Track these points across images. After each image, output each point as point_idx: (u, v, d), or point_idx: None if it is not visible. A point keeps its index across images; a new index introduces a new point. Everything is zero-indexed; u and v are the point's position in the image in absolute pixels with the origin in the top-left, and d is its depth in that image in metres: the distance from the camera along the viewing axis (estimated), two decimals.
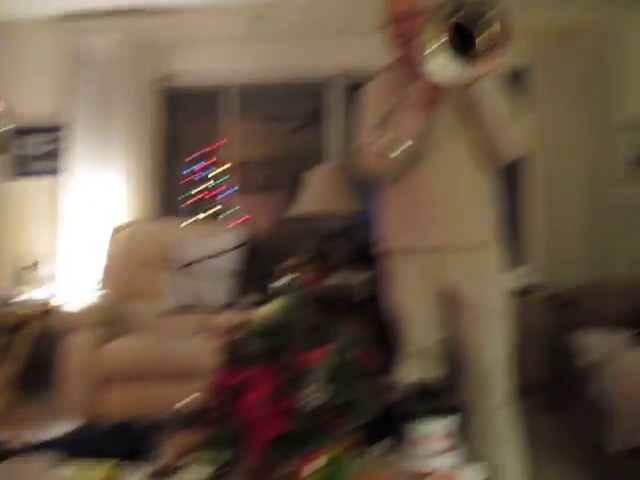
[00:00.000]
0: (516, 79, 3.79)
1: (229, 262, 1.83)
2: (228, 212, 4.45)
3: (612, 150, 3.81)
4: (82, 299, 3.28)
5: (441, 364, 2.08)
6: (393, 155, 1.86)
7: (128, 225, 3.73)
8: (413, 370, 2.00)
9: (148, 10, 3.91)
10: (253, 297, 2.07)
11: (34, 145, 4.14)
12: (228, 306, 1.83)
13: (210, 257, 1.67)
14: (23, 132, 4.12)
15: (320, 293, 3.00)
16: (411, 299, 2.03)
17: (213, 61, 4.03)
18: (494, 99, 1.86)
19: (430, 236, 1.97)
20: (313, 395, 1.16)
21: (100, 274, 3.54)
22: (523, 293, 3.42)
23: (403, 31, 1.94)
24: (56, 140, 4.09)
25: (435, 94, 1.79)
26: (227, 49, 4.00)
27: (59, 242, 3.98)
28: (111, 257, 3.56)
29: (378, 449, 1.35)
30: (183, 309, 1.79)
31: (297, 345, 1.24)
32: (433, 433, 1.30)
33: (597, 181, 3.77)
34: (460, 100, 1.89)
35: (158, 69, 4.00)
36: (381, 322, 3.28)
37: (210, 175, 5.02)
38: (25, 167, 4.16)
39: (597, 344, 2.77)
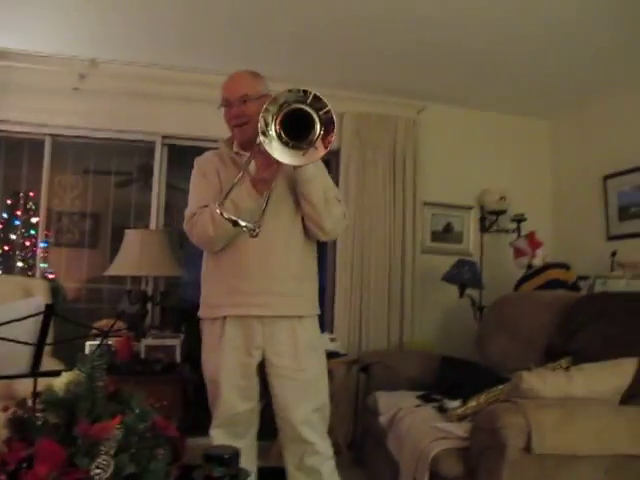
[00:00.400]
0: (334, 157, 4.17)
1: (30, 327, 1.76)
2: (34, 269, 4.19)
3: (418, 224, 4.30)
4: None
5: (252, 429, 2.15)
6: (224, 230, 1.91)
7: None
8: (222, 436, 2.04)
9: None
10: (53, 365, 2.00)
11: None
12: (29, 374, 1.74)
13: (5, 323, 1.60)
14: None
15: (129, 357, 2.95)
16: (227, 364, 2.02)
17: (37, 110, 3.86)
18: (320, 180, 2.00)
19: (251, 304, 1.99)
20: (102, 467, 1.17)
21: None
22: (329, 357, 3.65)
23: (235, 115, 2.01)
24: None
25: (270, 173, 1.85)
26: (52, 100, 3.86)
27: None
28: None
29: None
30: None
31: (93, 415, 1.25)
32: None
33: (402, 252, 4.20)
34: (290, 177, 2.01)
35: None
36: (191, 385, 3.30)
37: (26, 224, 4.72)
38: None
39: (391, 404, 3.02)
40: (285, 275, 2.04)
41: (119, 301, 4.22)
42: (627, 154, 3.94)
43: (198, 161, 2.18)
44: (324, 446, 2.10)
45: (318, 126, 1.69)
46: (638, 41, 3.29)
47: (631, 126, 3.95)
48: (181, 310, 4.35)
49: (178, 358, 3.12)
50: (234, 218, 1.78)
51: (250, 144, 1.93)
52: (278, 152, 1.68)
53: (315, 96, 1.67)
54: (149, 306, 3.52)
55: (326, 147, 1.70)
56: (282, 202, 2.03)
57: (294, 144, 1.69)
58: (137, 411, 1.31)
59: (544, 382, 2.16)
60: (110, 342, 3.07)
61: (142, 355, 3.03)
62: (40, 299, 1.76)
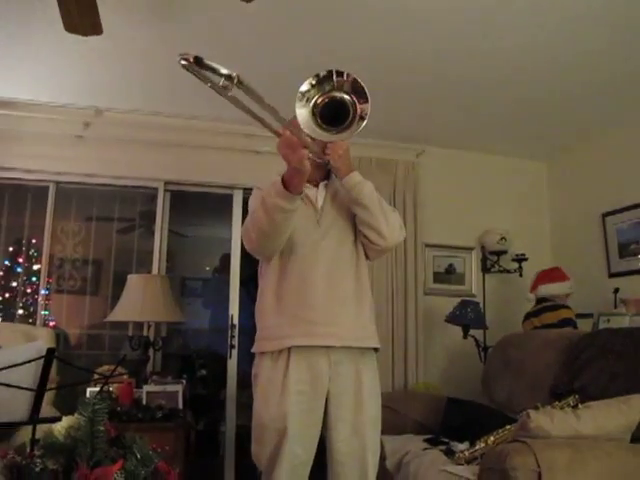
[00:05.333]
0: None
1: (31, 372, 1.75)
2: (35, 315, 4.17)
3: (419, 266, 4.30)
4: None
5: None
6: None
7: None
8: None
9: None
10: (52, 414, 1.98)
11: None
12: (28, 422, 1.72)
13: (13, 366, 1.59)
14: None
15: (130, 403, 2.91)
16: (293, 409, 1.88)
17: (42, 158, 3.93)
18: (369, 185, 1.97)
19: (318, 334, 1.91)
20: None
21: None
22: None
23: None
24: None
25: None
26: (56, 148, 3.94)
27: None
28: None
29: None
30: None
31: (93, 460, 1.23)
32: None
33: (405, 294, 4.19)
34: (343, 195, 2.00)
35: None
36: (194, 432, 3.24)
37: (28, 271, 4.72)
38: None
39: (398, 448, 2.97)
40: (349, 303, 1.99)
41: (120, 347, 4.19)
42: (625, 191, 3.98)
43: (260, 186, 2.08)
44: None
45: (351, 107, 1.60)
46: (633, 77, 3.36)
47: (628, 163, 4.01)
48: (183, 356, 4.31)
49: (180, 404, 3.07)
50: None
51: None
52: (310, 130, 1.59)
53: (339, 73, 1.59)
54: (150, 352, 3.49)
55: (363, 118, 1.60)
56: (339, 228, 2.02)
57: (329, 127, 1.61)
58: (139, 456, 1.29)
59: (552, 421, 2.12)
60: (111, 388, 3.03)
61: (144, 401, 2.98)
62: (41, 343, 1.76)
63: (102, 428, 1.30)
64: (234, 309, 3.98)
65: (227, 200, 4.22)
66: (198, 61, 1.14)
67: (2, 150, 3.89)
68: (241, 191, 4.19)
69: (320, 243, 1.98)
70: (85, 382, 2.78)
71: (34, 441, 1.64)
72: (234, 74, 1.22)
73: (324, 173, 2.12)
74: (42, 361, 1.72)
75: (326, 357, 1.93)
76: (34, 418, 1.79)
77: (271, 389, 1.92)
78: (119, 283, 4.31)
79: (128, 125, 4.02)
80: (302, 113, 1.56)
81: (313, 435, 1.93)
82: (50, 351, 1.68)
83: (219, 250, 5.10)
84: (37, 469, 1.21)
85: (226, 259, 4.26)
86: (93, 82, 3.66)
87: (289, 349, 1.91)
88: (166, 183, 4.13)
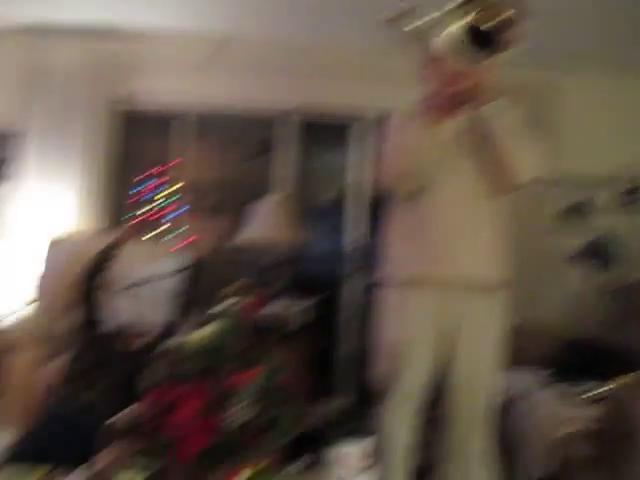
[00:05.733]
0: None
1: (172, 284, 1.92)
2: (174, 233, 4.50)
3: (542, 203, 4.10)
4: (22, 313, 3.27)
5: (423, 409, 2.01)
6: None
7: (66, 238, 3.71)
8: (400, 414, 1.95)
9: (112, 31, 4.00)
10: (193, 320, 2.17)
11: None
12: (168, 327, 1.91)
13: (153, 280, 1.76)
14: None
15: (257, 319, 3.11)
16: (412, 335, 1.92)
17: (172, 86, 4.12)
18: (512, 124, 1.91)
19: (443, 268, 1.92)
20: (239, 413, 1.27)
21: (36, 288, 3.53)
22: None
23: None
24: (9, 147, 4.09)
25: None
26: (186, 76, 4.10)
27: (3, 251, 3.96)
28: (47, 270, 3.54)
29: (297, 467, 1.47)
30: (123, 328, 1.87)
31: (228, 366, 1.36)
32: (352, 454, 1.44)
33: (527, 232, 4.02)
34: (473, 127, 1.93)
35: (117, 89, 4.06)
36: (319, 349, 3.41)
37: (159, 196, 5.08)
38: None
39: (515, 382, 2.96)
40: (477, 240, 1.97)
41: (250, 267, 4.45)
42: None
43: (397, 116, 2.06)
44: (484, 434, 1.99)
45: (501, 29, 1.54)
46: None
47: None
48: (309, 277, 4.47)
49: (302, 324, 3.24)
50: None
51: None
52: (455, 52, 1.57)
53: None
54: (278, 272, 3.67)
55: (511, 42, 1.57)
56: (470, 161, 1.96)
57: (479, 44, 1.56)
58: (271, 366, 1.40)
59: None
60: (242, 304, 3.23)
61: (272, 318, 3.17)
62: (188, 258, 1.91)
63: (239, 337, 1.42)
64: (351, 237, 4.05)
65: (349, 128, 4.21)
66: None
67: (141, 82, 4.13)
68: (365, 118, 4.16)
69: (450, 176, 1.94)
70: (219, 298, 2.99)
71: (179, 345, 1.83)
72: None
73: (461, 101, 2.00)
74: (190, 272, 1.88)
75: (451, 291, 1.93)
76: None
77: (394, 315, 1.97)
78: (246, 206, 4.53)
79: (259, 50, 4.05)
80: (448, 33, 1.51)
81: (435, 362, 1.96)
82: (197, 263, 1.84)
83: (338, 179, 5.14)
84: (184, 368, 1.36)
85: (345, 188, 4.30)
86: (224, 7, 3.71)
87: (414, 280, 1.94)
88: (294, 110, 4.18)
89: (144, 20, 3.92)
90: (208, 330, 1.42)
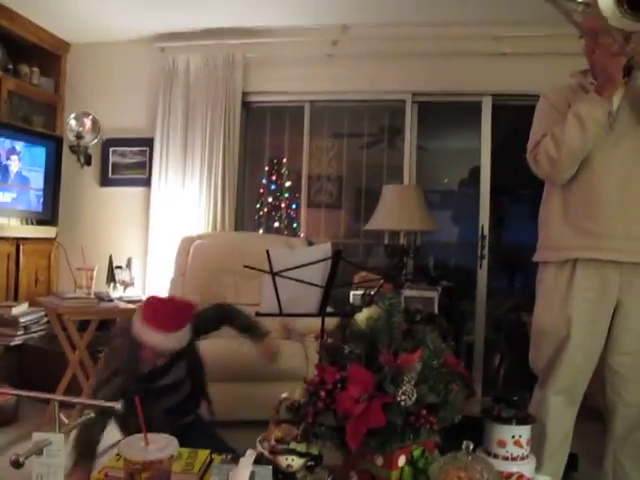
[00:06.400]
0: None
1: (317, 272, 1.96)
2: (298, 224, 4.60)
3: None
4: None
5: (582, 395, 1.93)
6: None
7: (200, 236, 3.94)
8: (561, 404, 1.89)
9: (233, 31, 4.16)
10: (346, 305, 2.20)
11: (126, 156, 4.50)
12: (321, 312, 1.95)
13: (303, 266, 1.80)
14: (118, 143, 4.50)
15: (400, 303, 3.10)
16: (577, 318, 1.83)
17: (291, 79, 4.23)
18: None
19: (606, 248, 1.80)
20: (406, 394, 1.27)
21: (173, 279, 3.78)
22: None
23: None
24: (145, 152, 4.41)
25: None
26: (305, 69, 4.20)
27: (148, 245, 4.29)
28: (183, 264, 3.76)
29: (462, 449, 1.44)
30: (276, 314, 1.93)
31: (392, 348, 1.36)
32: (518, 438, 1.39)
33: None
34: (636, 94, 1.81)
35: (240, 86, 4.23)
36: (450, 336, 3.34)
37: (282, 188, 5.22)
38: (118, 175, 4.53)
39: None
40: None
41: (371, 256, 4.47)
42: None
43: (546, 94, 2.02)
44: None
45: None
46: None
47: None
48: (429, 267, 4.41)
49: (436, 310, 3.20)
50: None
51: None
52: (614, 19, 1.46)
53: None
54: (405, 259, 3.65)
55: None
56: (636, 133, 1.82)
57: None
58: (432, 347, 1.39)
59: None
60: (371, 292, 3.25)
61: (402, 305, 3.16)
62: (328, 246, 1.94)
63: (398, 320, 1.42)
64: (484, 220, 3.94)
65: (474, 109, 4.09)
66: None
67: (260, 76, 4.28)
68: (490, 97, 4.02)
69: (613, 150, 1.81)
70: (352, 284, 3.04)
71: (323, 331, 1.87)
72: None
73: (623, 70, 1.85)
74: (329, 261, 1.91)
75: (616, 270, 1.82)
76: (323, 311, 2.03)
77: (555, 295, 1.89)
78: (367, 196, 4.54)
79: (375, 39, 4.07)
80: (604, 2, 1.41)
81: (596, 345, 1.87)
82: (337, 253, 1.86)
83: (461, 162, 5.02)
84: (346, 351, 1.38)
85: (475, 171, 4.18)
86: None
87: (574, 260, 1.85)
88: (413, 94, 4.14)
89: (265, 19, 4.04)
90: (369, 313, 1.43)
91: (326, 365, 1.39)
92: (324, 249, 1.94)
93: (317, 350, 1.48)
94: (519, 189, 4.88)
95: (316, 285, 1.95)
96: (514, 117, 4.14)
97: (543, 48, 3.63)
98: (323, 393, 1.31)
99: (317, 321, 1.99)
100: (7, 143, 3.97)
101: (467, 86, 4.00)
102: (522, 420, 1.42)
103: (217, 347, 2.95)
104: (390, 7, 3.81)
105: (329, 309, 2.04)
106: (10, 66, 4.19)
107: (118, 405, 1.22)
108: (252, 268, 1.82)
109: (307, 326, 2.88)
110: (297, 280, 1.90)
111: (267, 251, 1.80)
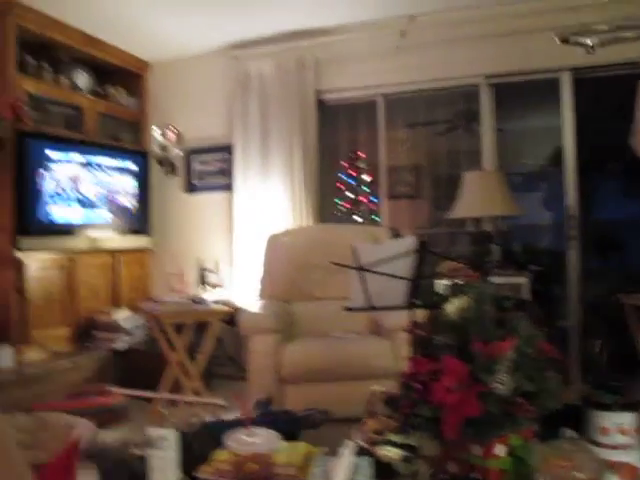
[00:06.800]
0: None
1: (403, 264, 1.97)
2: (379, 217, 4.61)
3: None
4: (254, 300, 3.63)
5: None
6: None
7: (284, 233, 4.00)
8: None
9: (302, 33, 4.24)
10: (432, 296, 2.20)
11: (208, 163, 4.71)
12: (409, 305, 1.96)
13: (391, 259, 1.81)
14: (200, 152, 4.71)
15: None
16: None
17: (362, 74, 4.26)
18: None
19: None
20: (501, 383, 1.26)
21: (262, 278, 3.87)
22: None
23: None
24: (227, 158, 4.58)
25: None
26: (375, 62, 4.21)
27: (234, 248, 4.47)
28: (269, 262, 3.84)
29: (562, 438, 1.42)
30: (365, 309, 1.96)
31: (484, 336, 1.35)
32: (623, 426, 1.35)
33: None
34: None
35: (313, 85, 4.30)
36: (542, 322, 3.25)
37: (360, 182, 5.25)
38: (202, 182, 4.75)
39: None
40: None
41: (455, 244, 4.41)
42: None
43: None
44: None
45: None
46: None
47: None
48: (515, 251, 4.31)
49: (526, 296, 3.12)
50: None
51: None
52: None
53: None
54: (491, 246, 3.58)
55: None
56: None
57: None
58: (524, 335, 1.37)
59: None
60: (457, 282, 3.21)
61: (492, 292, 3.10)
62: (413, 239, 1.94)
63: (488, 308, 1.41)
64: (571, 199, 3.79)
65: (551, 86, 3.93)
66: None
67: (331, 74, 4.33)
68: (568, 72, 3.85)
69: None
70: (442, 275, 3.00)
71: (414, 322, 1.87)
72: None
73: None
74: (416, 253, 1.92)
75: None
76: (411, 303, 2.04)
77: None
78: (447, 184, 4.49)
79: (442, 25, 4.01)
80: None
81: None
82: (423, 244, 1.87)
83: (543, 141, 4.86)
84: (437, 342, 1.39)
85: (559, 150, 4.03)
86: None
87: None
88: (487, 77, 4.04)
89: (332, 18, 4.08)
90: (459, 303, 1.43)
91: (418, 357, 1.40)
92: (409, 241, 1.95)
93: (408, 343, 1.50)
94: (607, 163, 4.66)
95: (404, 278, 1.96)
96: (597, 90, 3.96)
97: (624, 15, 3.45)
98: (418, 384, 1.33)
99: (405, 315, 1.99)
100: (100, 161, 4.24)
101: (542, 63, 3.85)
102: (627, 407, 1.38)
103: (307, 350, 3.02)
104: None
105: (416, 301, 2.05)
106: (99, 90, 4.48)
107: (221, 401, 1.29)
108: (339, 265, 1.86)
109: (396, 321, 2.87)
110: (385, 274, 1.92)
111: (353, 246, 1.82)
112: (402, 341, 2.66)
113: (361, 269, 1.94)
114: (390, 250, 1.95)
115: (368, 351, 2.94)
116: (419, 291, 2.03)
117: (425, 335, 1.43)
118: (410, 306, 2.02)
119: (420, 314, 1.79)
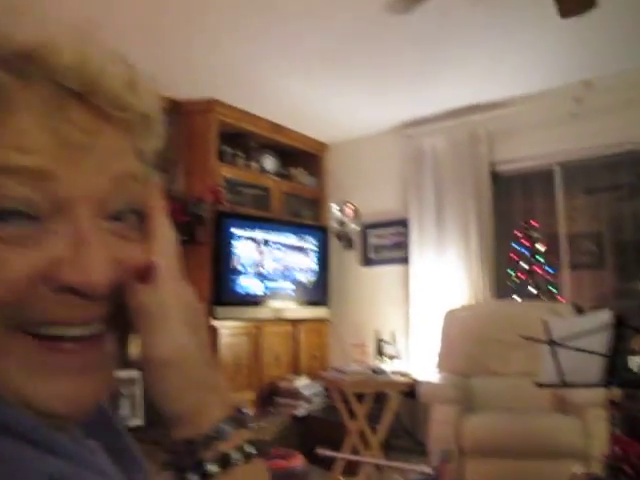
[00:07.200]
0: None
1: (597, 340, 1.90)
2: (555, 288, 4.40)
3: None
4: (432, 372, 3.63)
5: None
6: None
7: (462, 309, 4.02)
8: None
9: (473, 107, 4.35)
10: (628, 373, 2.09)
11: (384, 237, 4.91)
12: (606, 383, 1.88)
13: (585, 334, 1.77)
14: (376, 226, 4.94)
15: None
16: None
17: (536, 144, 4.22)
18: None
19: None
20: None
21: (440, 352, 3.87)
22: None
23: None
24: (402, 232, 4.74)
25: None
26: (549, 131, 4.16)
27: (410, 320, 4.54)
28: (447, 336, 3.85)
29: None
30: (557, 385, 1.90)
31: None
32: None
33: None
34: None
35: (486, 158, 4.35)
36: None
37: (534, 251, 5.07)
38: (378, 256, 4.95)
39: None
40: None
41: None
42: None
43: None
44: None
45: None
46: None
47: None
48: None
49: None
50: None
51: None
52: None
53: None
54: None
55: None
56: None
57: None
58: None
59: None
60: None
61: None
62: (609, 313, 1.88)
63: None
64: None
65: None
66: None
67: (504, 145, 4.37)
68: None
69: None
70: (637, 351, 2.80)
71: (612, 402, 1.79)
72: None
73: None
74: (611, 328, 1.85)
75: None
76: (608, 381, 1.94)
77: None
78: (633, 251, 4.18)
79: (620, 87, 3.87)
80: None
81: None
82: (620, 318, 1.80)
83: None
84: None
85: None
86: (579, 56, 3.68)
87: None
88: None
89: (503, 90, 4.16)
90: None
91: (623, 437, 1.35)
92: (604, 315, 1.89)
93: (607, 421, 1.44)
94: None
95: (600, 354, 1.88)
96: None
97: None
98: (628, 467, 1.27)
99: (597, 392, 1.91)
100: (284, 237, 4.62)
101: None
102: None
103: (490, 422, 2.95)
104: (633, 53, 3.62)
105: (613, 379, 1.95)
106: (283, 171, 4.95)
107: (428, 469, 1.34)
108: (530, 339, 1.85)
109: (586, 398, 2.70)
110: (579, 350, 1.87)
111: (544, 320, 1.81)
112: (594, 418, 2.50)
113: (553, 343, 1.90)
114: (583, 324, 1.90)
115: (556, 428, 2.79)
116: (616, 368, 1.94)
117: (632, 414, 1.38)
118: (607, 384, 1.93)
119: (616, 391, 1.71)
